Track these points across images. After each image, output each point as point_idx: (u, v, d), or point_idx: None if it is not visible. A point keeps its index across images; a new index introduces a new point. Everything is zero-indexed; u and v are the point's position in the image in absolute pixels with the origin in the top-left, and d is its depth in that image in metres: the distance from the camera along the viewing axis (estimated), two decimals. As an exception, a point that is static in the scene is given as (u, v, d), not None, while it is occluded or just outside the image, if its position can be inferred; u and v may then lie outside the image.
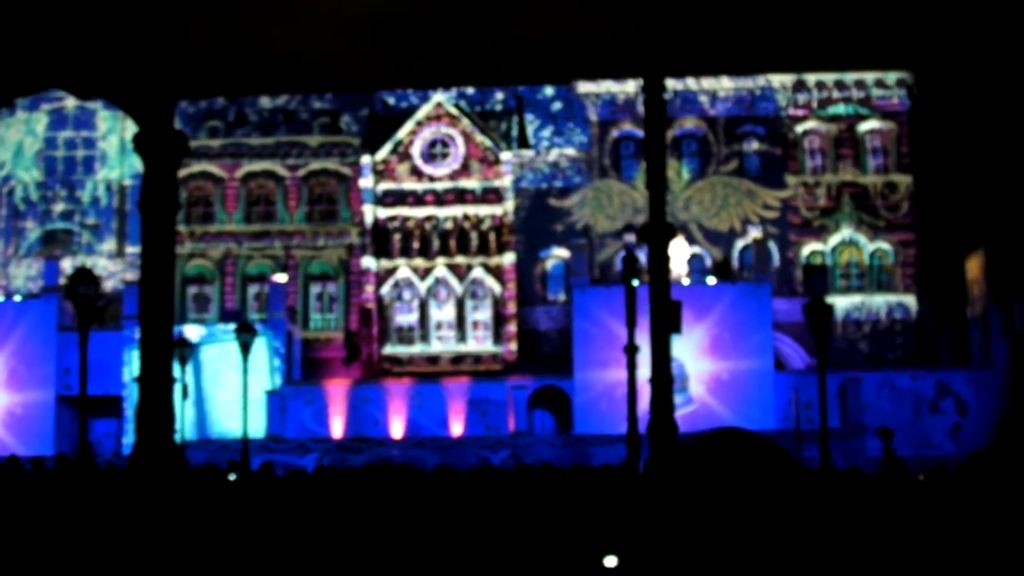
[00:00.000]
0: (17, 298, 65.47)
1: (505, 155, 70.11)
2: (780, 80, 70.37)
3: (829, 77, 70.34)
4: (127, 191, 72.33)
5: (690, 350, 59.23)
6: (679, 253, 65.59)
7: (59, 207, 72.47)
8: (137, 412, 8.09)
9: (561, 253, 69.94)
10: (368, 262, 69.70)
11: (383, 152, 70.57)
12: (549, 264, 70.60)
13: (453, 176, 70.25)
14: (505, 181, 69.94)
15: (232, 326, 56.47)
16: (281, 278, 66.97)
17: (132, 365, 61.83)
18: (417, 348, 69.38)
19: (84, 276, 25.84)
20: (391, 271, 69.74)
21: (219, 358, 62.65)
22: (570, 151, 71.00)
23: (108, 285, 68.23)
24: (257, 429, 59.13)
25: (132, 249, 70.87)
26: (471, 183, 70.08)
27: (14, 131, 73.01)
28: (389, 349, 69.40)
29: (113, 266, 70.94)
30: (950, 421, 61.07)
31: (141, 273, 8.03)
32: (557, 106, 72.92)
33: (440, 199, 70.03)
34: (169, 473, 7.98)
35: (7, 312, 64.36)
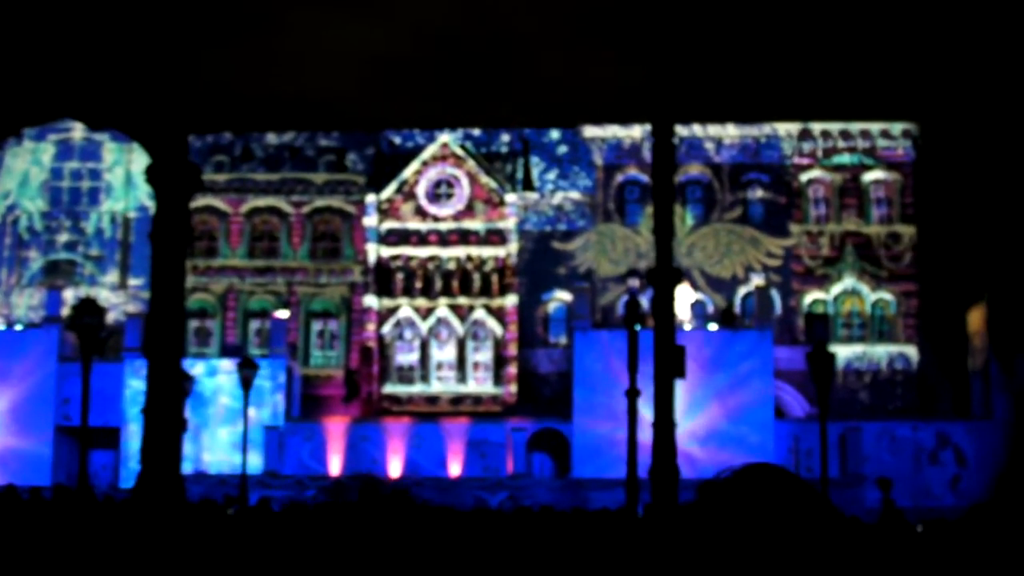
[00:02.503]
0: (18, 327, 65.44)
1: (510, 197, 70.22)
2: (786, 128, 70.53)
3: (834, 127, 70.49)
4: (131, 223, 72.44)
5: (690, 395, 59.14)
6: (683, 299, 65.57)
7: (63, 237, 72.53)
8: (142, 445, 8.08)
9: (563, 296, 69.96)
10: (370, 300, 69.71)
11: (388, 191, 70.68)
12: (551, 307, 70.61)
13: (457, 217, 70.32)
14: (509, 223, 70.02)
15: (232, 361, 56.48)
16: (283, 314, 66.97)
17: (131, 397, 61.74)
18: (417, 388, 69.33)
19: (89, 307, 25.86)
20: (393, 310, 69.75)
21: (217, 392, 62.62)
22: (575, 195, 71.12)
23: (110, 317, 68.19)
24: (255, 465, 59.03)
25: (135, 281, 70.94)
26: (475, 224, 70.15)
27: (20, 161, 73.14)
28: (389, 388, 69.34)
29: (115, 298, 70.90)
30: (949, 473, 60.94)
31: (150, 305, 8.04)
32: (563, 149, 73.03)
33: (444, 239, 70.09)
34: (171, 506, 7.96)
35: (8, 341, 64.31)
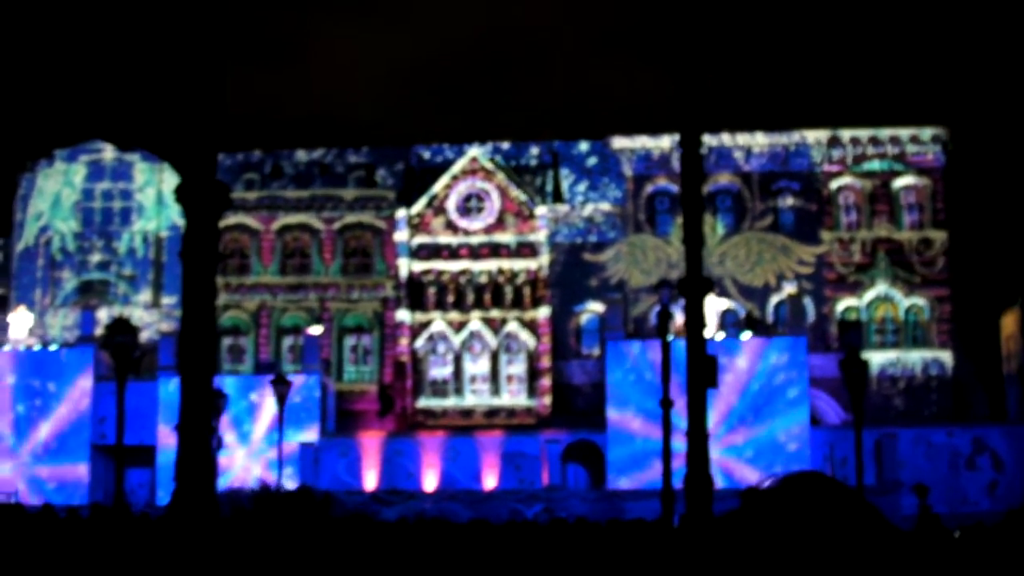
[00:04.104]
0: (53, 347, 65.67)
1: (540, 209, 70.23)
2: (815, 136, 70.37)
3: (864, 133, 70.29)
4: (163, 242, 72.71)
5: (724, 404, 59.04)
6: (711, 308, 65.40)
7: (96, 258, 72.85)
8: (177, 462, 8.13)
9: (595, 307, 69.90)
10: (403, 315, 69.81)
11: (418, 206, 70.79)
12: (583, 318, 70.58)
13: (488, 230, 70.38)
14: (540, 235, 70.04)
15: (267, 377, 56.55)
16: (316, 330, 67.07)
17: (166, 415, 61.88)
18: (451, 401, 69.37)
19: (122, 326, 25.98)
20: (425, 324, 69.83)
21: (253, 409, 62.75)
22: (605, 206, 71.08)
23: (143, 336, 68.36)
24: (290, 481, 59.11)
25: (167, 300, 71.18)
26: (506, 237, 70.19)
27: (52, 182, 73.53)
28: (423, 402, 69.41)
29: (148, 317, 71.21)
30: (986, 478, 60.60)
31: (182, 324, 8.10)
32: (592, 161, 73.06)
33: (475, 253, 70.15)
34: (207, 523, 8.00)
35: (43, 362, 64.57)
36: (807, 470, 4.10)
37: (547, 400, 68.57)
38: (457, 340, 69.57)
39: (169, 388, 60.15)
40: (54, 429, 63.66)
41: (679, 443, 22.01)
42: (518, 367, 69.39)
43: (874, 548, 3.99)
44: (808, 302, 68.52)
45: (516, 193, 70.59)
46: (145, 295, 72.42)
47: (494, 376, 69.40)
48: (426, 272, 70.25)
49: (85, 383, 63.89)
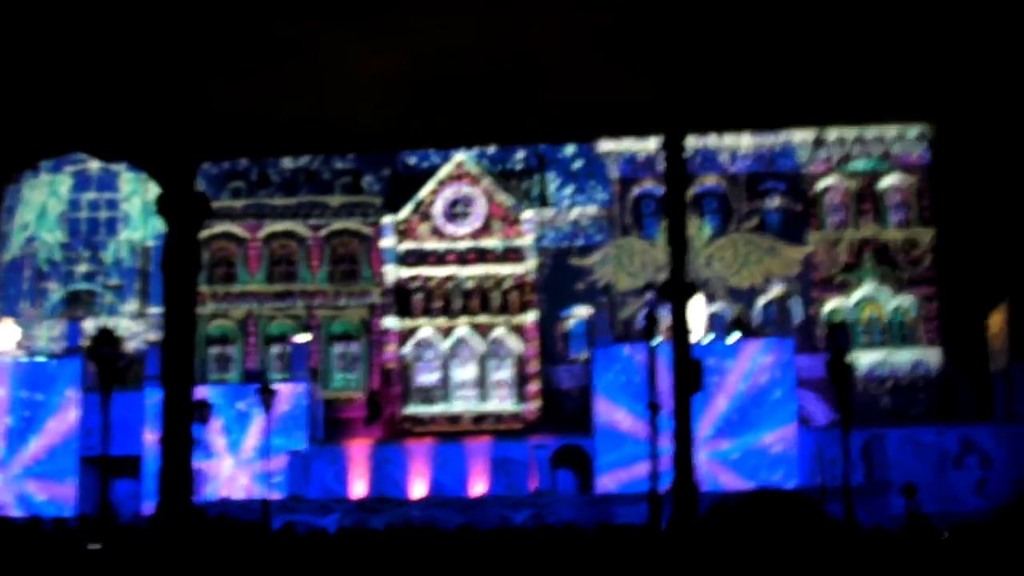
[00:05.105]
0: (40, 359, 65.57)
1: (526, 214, 70.18)
2: (800, 136, 70.38)
3: (849, 133, 70.29)
4: (150, 252, 72.55)
5: (712, 406, 59.05)
6: (697, 311, 65.35)
7: (82, 268, 72.71)
8: (160, 473, 8.12)
9: (583, 312, 69.84)
10: (390, 322, 69.70)
11: (405, 212, 70.72)
12: (571, 323, 70.51)
13: (474, 235, 70.29)
14: (526, 240, 69.97)
15: (254, 387, 56.48)
16: (303, 338, 67.00)
17: (153, 425, 61.74)
18: (439, 408, 69.27)
19: (106, 337, 25.92)
20: (413, 331, 69.73)
21: (241, 419, 62.66)
22: (591, 209, 71.05)
23: (130, 346, 68.19)
24: (279, 489, 59.05)
25: (154, 310, 70.97)
26: (492, 242, 70.12)
27: (38, 193, 73.38)
28: (411, 409, 69.31)
29: (135, 326, 71.03)
30: (975, 477, 60.67)
31: (163, 334, 8.09)
32: (578, 164, 72.98)
33: (462, 258, 70.08)
34: (191, 533, 7.98)
35: (31, 373, 64.46)
36: (770, 488, 4.11)
37: (535, 405, 68.51)
38: (444, 346, 69.49)
39: (156, 398, 59.96)
40: (45, 442, 63.54)
41: (668, 446, 22.01)
42: (505, 373, 69.31)
43: (823, 560, 3.99)
44: (795, 303, 68.53)
45: (502, 198, 70.55)
46: (132, 305, 72.28)
47: (482, 382, 69.31)
48: (413, 278, 70.16)
49: (73, 395, 63.77)
